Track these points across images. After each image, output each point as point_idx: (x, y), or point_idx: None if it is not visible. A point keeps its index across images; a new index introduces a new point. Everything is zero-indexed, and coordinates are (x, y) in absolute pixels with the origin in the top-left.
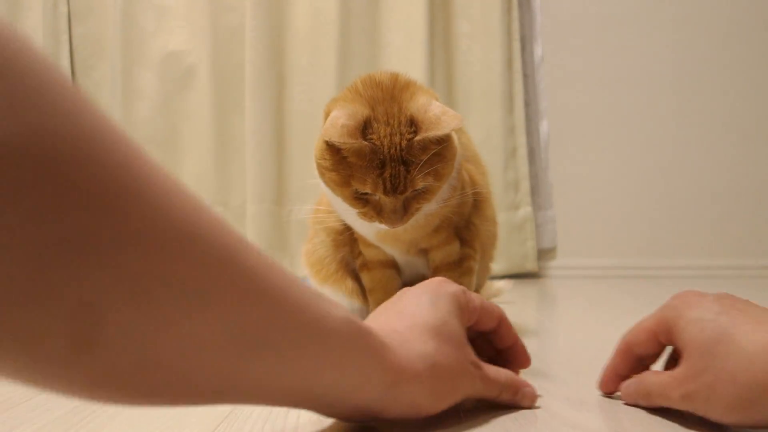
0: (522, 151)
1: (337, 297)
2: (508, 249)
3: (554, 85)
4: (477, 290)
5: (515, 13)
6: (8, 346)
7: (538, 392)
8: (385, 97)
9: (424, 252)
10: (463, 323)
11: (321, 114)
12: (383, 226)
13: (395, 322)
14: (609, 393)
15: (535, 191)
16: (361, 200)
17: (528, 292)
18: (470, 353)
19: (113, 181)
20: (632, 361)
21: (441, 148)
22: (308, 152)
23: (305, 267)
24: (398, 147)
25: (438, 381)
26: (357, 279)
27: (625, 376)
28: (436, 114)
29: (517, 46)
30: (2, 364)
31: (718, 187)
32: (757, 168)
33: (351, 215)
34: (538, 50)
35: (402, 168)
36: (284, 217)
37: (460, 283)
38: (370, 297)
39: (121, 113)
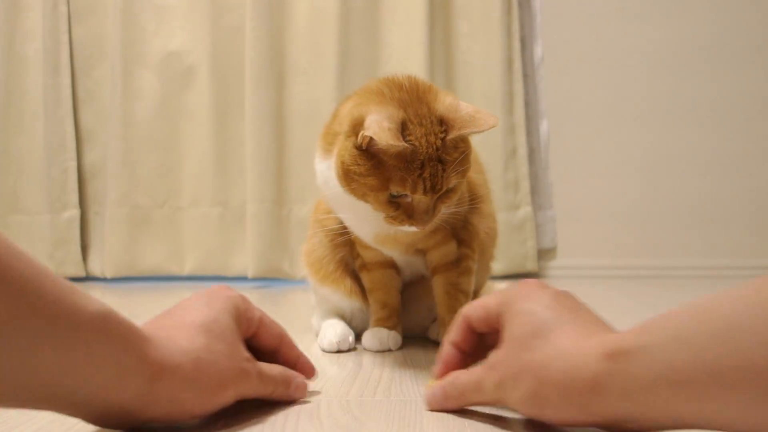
0: (522, 151)
1: (336, 296)
2: (508, 249)
3: (554, 85)
4: (477, 290)
5: (515, 13)
6: None
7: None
8: (412, 99)
9: (422, 252)
10: (240, 326)
11: (320, 114)
12: (412, 228)
13: (164, 320)
14: (446, 372)
15: (535, 191)
16: (393, 204)
17: None
18: (243, 351)
19: None
20: (469, 335)
21: (467, 148)
22: (308, 152)
23: (304, 266)
24: (434, 146)
25: (203, 376)
26: (356, 278)
27: (462, 350)
28: (470, 113)
29: (517, 46)
30: None
31: (719, 187)
32: (758, 168)
33: (354, 219)
34: (538, 50)
35: (439, 166)
36: (284, 217)
37: (458, 283)
38: (370, 297)
39: (121, 113)
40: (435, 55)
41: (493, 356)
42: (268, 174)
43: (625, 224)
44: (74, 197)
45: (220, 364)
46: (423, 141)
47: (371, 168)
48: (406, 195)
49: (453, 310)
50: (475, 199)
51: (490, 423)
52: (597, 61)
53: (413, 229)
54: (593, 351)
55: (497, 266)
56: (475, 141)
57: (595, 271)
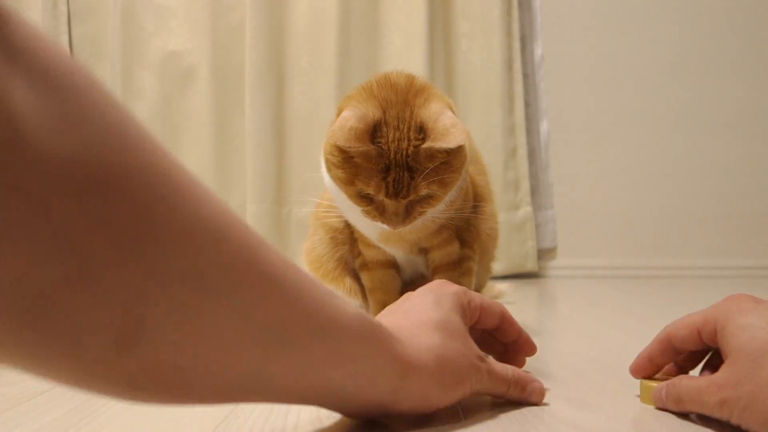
0: (522, 151)
1: None
2: (508, 249)
3: (554, 85)
4: (478, 291)
5: (515, 13)
6: (56, 346)
7: None
8: (399, 100)
9: (425, 251)
10: (466, 321)
11: (320, 114)
12: (385, 226)
13: (402, 320)
14: (639, 377)
15: (535, 191)
16: (365, 199)
17: (528, 292)
18: (475, 348)
19: (154, 191)
20: (669, 353)
21: (450, 158)
22: (308, 152)
23: (304, 265)
24: (404, 153)
25: (445, 372)
26: (356, 277)
27: (658, 366)
28: (446, 125)
29: (517, 45)
30: (49, 365)
31: (719, 187)
32: (758, 168)
33: (355, 214)
34: (538, 50)
35: (406, 174)
36: (284, 217)
37: (460, 284)
38: (370, 297)
39: None
40: (435, 55)
41: (721, 373)
42: (268, 174)
43: (625, 224)
44: None
45: (457, 361)
46: (393, 146)
47: (342, 161)
48: (370, 194)
49: None
50: (477, 200)
51: (490, 424)
52: (597, 61)
53: (385, 227)
54: None
55: (497, 266)
56: (476, 141)
57: (595, 271)
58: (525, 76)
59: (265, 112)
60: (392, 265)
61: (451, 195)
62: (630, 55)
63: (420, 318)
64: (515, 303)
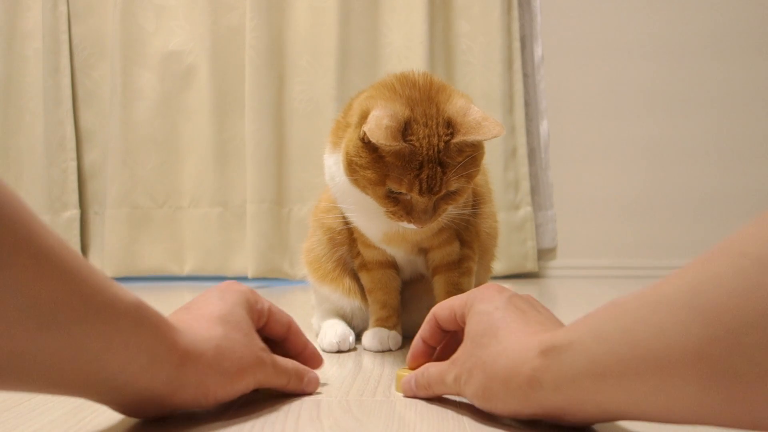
0: (522, 151)
1: (335, 296)
2: (508, 249)
3: (554, 85)
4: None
5: (515, 13)
6: None
7: None
8: (423, 98)
9: (425, 252)
10: (253, 319)
11: (320, 113)
12: (411, 226)
13: (182, 314)
14: (414, 363)
15: (535, 191)
16: (392, 199)
17: (528, 292)
18: (259, 341)
19: None
20: (437, 333)
21: (475, 152)
22: (308, 152)
23: (303, 265)
24: (436, 149)
25: (225, 362)
26: (355, 278)
27: (431, 347)
28: (477, 119)
29: (517, 46)
30: None
31: (719, 187)
32: (758, 169)
33: (363, 216)
34: (538, 50)
35: (438, 169)
36: (284, 217)
37: (459, 284)
38: (369, 297)
39: (121, 113)
40: (435, 55)
41: (456, 353)
42: (268, 174)
43: (625, 224)
44: (74, 197)
45: (239, 352)
46: (425, 142)
47: (371, 161)
48: (402, 193)
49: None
50: (477, 200)
51: (489, 423)
52: (597, 60)
53: (412, 226)
54: (532, 348)
55: (497, 266)
56: None
57: (595, 271)
58: (525, 76)
59: (265, 112)
60: (392, 265)
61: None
62: (630, 54)
63: (202, 311)
64: None
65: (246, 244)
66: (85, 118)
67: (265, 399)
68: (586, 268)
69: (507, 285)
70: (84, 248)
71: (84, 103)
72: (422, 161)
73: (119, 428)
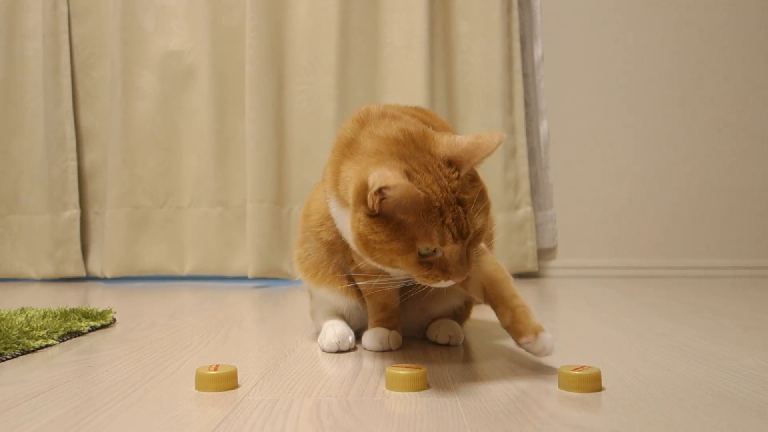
0: (522, 151)
1: (332, 296)
2: (508, 249)
3: (554, 85)
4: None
5: (515, 13)
6: None
7: (540, 391)
8: (411, 151)
9: None
10: None
11: (320, 114)
12: (450, 283)
13: None
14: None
15: (535, 191)
16: (425, 264)
17: (528, 292)
18: None
19: None
20: None
21: (480, 185)
22: (308, 152)
23: (299, 272)
24: (449, 189)
25: None
26: (352, 280)
27: None
28: (471, 141)
29: (517, 45)
30: None
31: (718, 187)
32: (758, 168)
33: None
34: (538, 50)
35: (460, 209)
36: (284, 217)
37: (493, 263)
38: (368, 301)
39: (121, 113)
40: (435, 55)
41: None
42: (268, 174)
43: (625, 224)
44: (74, 197)
45: None
46: (435, 187)
47: (391, 232)
48: (435, 251)
49: (513, 293)
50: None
51: (489, 423)
52: (597, 60)
53: (450, 283)
54: None
55: None
56: None
57: (595, 271)
58: (525, 76)
59: (265, 112)
60: (386, 272)
61: None
62: (630, 55)
63: None
64: None
65: (246, 244)
66: (85, 117)
67: (266, 399)
68: (585, 267)
69: None
70: (84, 248)
71: (84, 103)
72: (441, 207)
73: (119, 428)
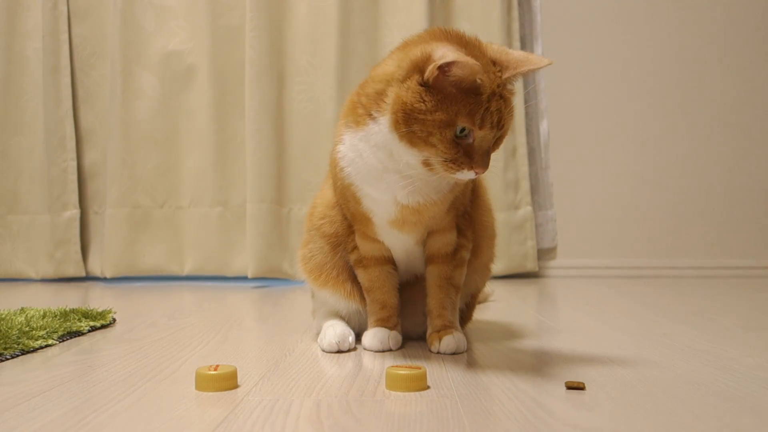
0: (522, 151)
1: (334, 299)
2: (508, 249)
3: (554, 85)
4: (477, 291)
5: (515, 13)
6: None
7: (540, 391)
8: (462, 43)
9: (424, 243)
10: None
11: (321, 113)
12: (470, 175)
13: None
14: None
15: (535, 191)
16: (455, 145)
17: (528, 292)
18: None
19: None
20: None
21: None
22: (308, 152)
23: (303, 273)
24: (496, 83)
25: None
26: (355, 282)
27: None
28: (523, 54)
29: (517, 45)
30: None
31: (718, 187)
32: (758, 169)
33: (377, 196)
34: (538, 50)
35: (502, 102)
36: (284, 217)
37: (452, 277)
38: (368, 296)
39: (121, 113)
40: None
41: None
42: (268, 174)
43: (624, 224)
44: (74, 197)
45: None
46: (485, 76)
47: (438, 103)
48: (467, 135)
49: (443, 304)
50: (474, 189)
51: (490, 423)
52: (597, 61)
53: (471, 174)
54: None
55: (497, 266)
56: None
57: (595, 271)
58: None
59: (264, 112)
60: (389, 261)
61: None
62: (630, 55)
63: None
64: (515, 303)
65: (246, 244)
66: (85, 117)
67: (266, 399)
68: (585, 267)
69: (507, 285)
70: (84, 248)
71: (84, 103)
72: (489, 94)
73: (119, 428)
